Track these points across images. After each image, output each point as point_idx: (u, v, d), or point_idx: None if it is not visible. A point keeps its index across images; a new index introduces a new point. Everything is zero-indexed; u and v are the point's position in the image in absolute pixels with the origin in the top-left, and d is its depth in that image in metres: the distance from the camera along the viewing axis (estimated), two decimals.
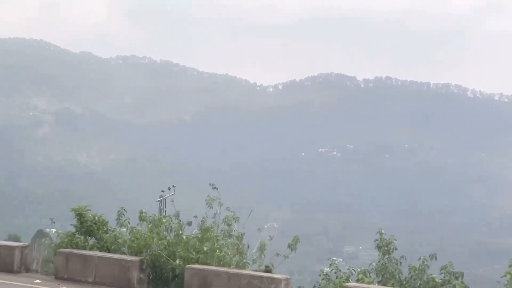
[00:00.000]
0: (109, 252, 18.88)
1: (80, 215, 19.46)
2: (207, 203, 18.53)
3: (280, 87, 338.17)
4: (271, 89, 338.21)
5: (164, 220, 18.60)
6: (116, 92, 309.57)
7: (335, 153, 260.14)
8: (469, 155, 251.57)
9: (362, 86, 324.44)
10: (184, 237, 17.86)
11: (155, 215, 19.14)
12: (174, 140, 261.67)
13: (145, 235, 18.15)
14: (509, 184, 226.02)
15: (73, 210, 19.67)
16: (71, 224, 19.84)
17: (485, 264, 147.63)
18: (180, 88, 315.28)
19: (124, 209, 19.53)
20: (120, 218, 19.38)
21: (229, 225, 18.38)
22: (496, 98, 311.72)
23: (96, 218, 19.40)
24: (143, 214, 18.87)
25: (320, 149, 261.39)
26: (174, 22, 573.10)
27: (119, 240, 19.11)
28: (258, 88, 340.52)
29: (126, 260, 17.79)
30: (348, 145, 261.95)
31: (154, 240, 17.85)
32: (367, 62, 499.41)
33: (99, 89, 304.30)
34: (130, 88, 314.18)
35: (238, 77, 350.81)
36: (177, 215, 18.75)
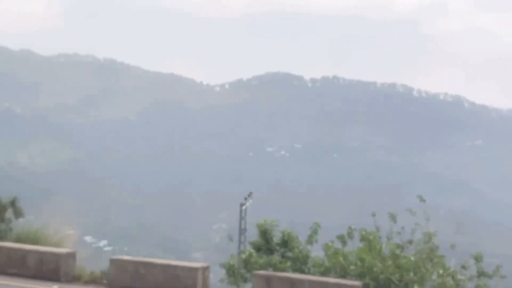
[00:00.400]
0: (299, 272, 16.54)
1: (265, 232, 17.41)
2: (409, 212, 16.20)
3: (226, 86, 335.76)
4: (218, 89, 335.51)
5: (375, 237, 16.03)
6: (58, 91, 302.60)
7: (283, 152, 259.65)
8: (415, 154, 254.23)
9: (310, 85, 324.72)
10: (412, 258, 15.56)
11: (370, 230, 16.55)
12: (119, 139, 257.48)
13: (366, 256, 15.87)
14: (455, 183, 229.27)
15: (258, 226, 17.61)
16: (249, 242, 17.81)
17: None
18: (125, 87, 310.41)
19: (318, 225, 17.34)
20: (313, 234, 17.14)
21: (427, 241, 15.98)
22: (441, 97, 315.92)
23: (286, 234, 17.40)
24: (353, 231, 16.49)
25: (268, 149, 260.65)
26: (117, 18, 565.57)
27: (317, 259, 16.71)
28: (205, 87, 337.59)
29: (346, 285, 15.59)
30: (296, 145, 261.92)
31: (377, 261, 15.59)
32: (315, 61, 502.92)
33: (41, 88, 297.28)
34: (74, 87, 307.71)
35: (184, 75, 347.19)
36: (377, 230, 16.43)
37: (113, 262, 18.72)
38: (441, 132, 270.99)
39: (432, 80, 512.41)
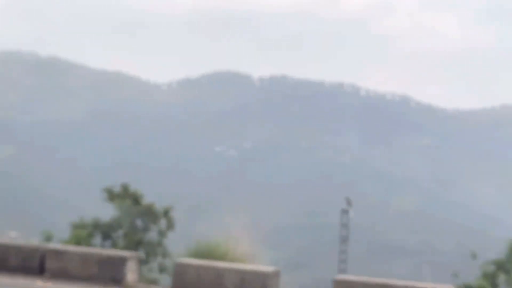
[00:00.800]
0: None
1: None
2: None
3: (174, 85, 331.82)
4: (165, 87, 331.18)
5: None
6: (0, 89, 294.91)
7: (232, 152, 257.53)
8: (364, 153, 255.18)
9: (258, 84, 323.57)
10: None
11: None
12: (63, 137, 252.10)
13: None
14: (403, 181, 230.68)
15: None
16: (492, 261, 16.50)
17: (384, 261, 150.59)
18: (69, 86, 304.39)
19: None
20: None
21: None
22: (389, 97, 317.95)
23: None
24: None
25: (217, 148, 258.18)
26: (59, 15, 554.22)
27: None
28: (151, 85, 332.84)
29: None
30: (245, 144, 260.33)
31: None
32: (263, 60, 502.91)
33: None
34: (15, 85, 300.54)
35: (130, 74, 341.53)
36: None
37: (339, 283, 16.07)
38: (389, 131, 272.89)
39: (379, 79, 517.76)
